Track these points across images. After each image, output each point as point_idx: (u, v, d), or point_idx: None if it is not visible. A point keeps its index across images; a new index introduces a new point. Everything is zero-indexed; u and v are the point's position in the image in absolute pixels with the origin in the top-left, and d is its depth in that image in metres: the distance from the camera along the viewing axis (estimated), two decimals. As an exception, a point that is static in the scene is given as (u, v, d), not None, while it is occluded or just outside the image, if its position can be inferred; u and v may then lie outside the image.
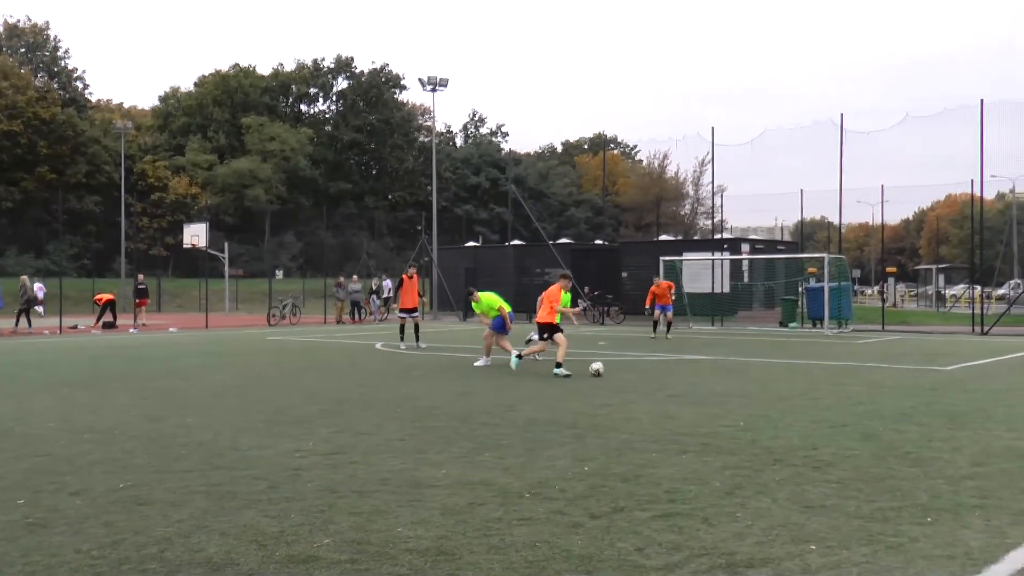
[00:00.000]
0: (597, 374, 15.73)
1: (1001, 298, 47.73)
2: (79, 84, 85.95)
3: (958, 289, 56.91)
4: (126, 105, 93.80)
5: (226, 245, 55.22)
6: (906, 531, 5.92)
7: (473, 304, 19.01)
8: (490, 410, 11.59)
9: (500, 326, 18.41)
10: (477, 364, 18.12)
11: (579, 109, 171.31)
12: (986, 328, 29.96)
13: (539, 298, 17.63)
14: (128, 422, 10.74)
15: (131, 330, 32.60)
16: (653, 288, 27.93)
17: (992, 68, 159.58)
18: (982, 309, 31.73)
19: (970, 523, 6.12)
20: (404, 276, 23.10)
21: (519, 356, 17.16)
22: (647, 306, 28.09)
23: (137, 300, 36.04)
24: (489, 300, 18.58)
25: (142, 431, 10.10)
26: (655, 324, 27.94)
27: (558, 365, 16.16)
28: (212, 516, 6.36)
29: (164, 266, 73.04)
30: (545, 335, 17.05)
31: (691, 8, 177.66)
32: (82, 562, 5.39)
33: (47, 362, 19.36)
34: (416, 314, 23.23)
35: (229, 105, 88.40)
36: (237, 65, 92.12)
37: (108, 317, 34.32)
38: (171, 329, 33.61)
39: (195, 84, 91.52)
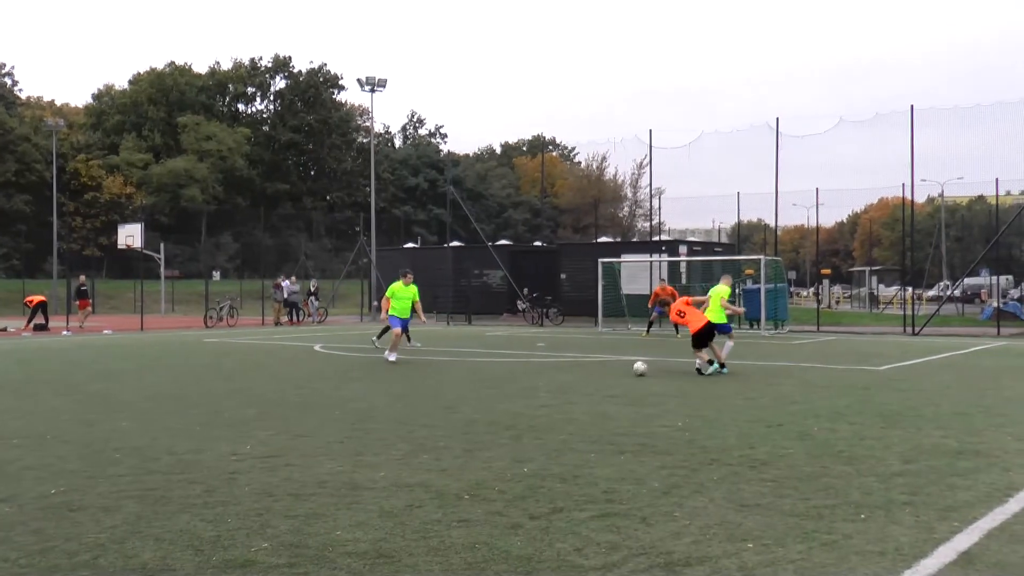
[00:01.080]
0: (642, 375, 15.50)
1: (932, 299, 48.74)
2: (7, 80, 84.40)
3: (891, 291, 58.03)
4: (58, 103, 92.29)
5: (162, 246, 54.38)
6: (840, 528, 6.02)
7: (400, 287, 18.72)
8: (429, 412, 11.57)
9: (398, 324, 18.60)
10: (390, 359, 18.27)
11: (518, 111, 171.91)
12: (917, 329, 30.57)
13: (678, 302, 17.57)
14: (60, 427, 10.54)
15: (64, 332, 31.99)
16: (657, 290, 28.86)
17: (923, 75, 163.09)
18: (913, 310, 32.37)
19: (900, 519, 6.24)
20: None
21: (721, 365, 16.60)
22: (650, 306, 29.02)
23: (79, 302, 35.41)
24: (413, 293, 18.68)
25: (75, 436, 9.91)
26: (649, 325, 28.67)
27: (710, 363, 16.32)
28: (146, 521, 6.27)
29: (98, 267, 71.72)
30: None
31: (629, 11, 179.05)
32: (10, 571, 5.28)
33: (-25, 365, 18.93)
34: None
35: (165, 104, 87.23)
36: (173, 63, 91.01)
37: (40, 319, 33.65)
38: (105, 331, 33.04)
39: (130, 82, 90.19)
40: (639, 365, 15.90)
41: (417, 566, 5.29)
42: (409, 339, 23.39)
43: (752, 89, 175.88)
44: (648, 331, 29.14)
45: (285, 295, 39.51)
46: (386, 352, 18.41)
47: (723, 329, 16.95)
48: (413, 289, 18.52)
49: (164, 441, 9.45)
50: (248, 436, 9.71)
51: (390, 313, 18.41)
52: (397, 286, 18.44)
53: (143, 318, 36.73)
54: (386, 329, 24.04)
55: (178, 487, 7.31)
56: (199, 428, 10.34)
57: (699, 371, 16.31)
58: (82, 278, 37.22)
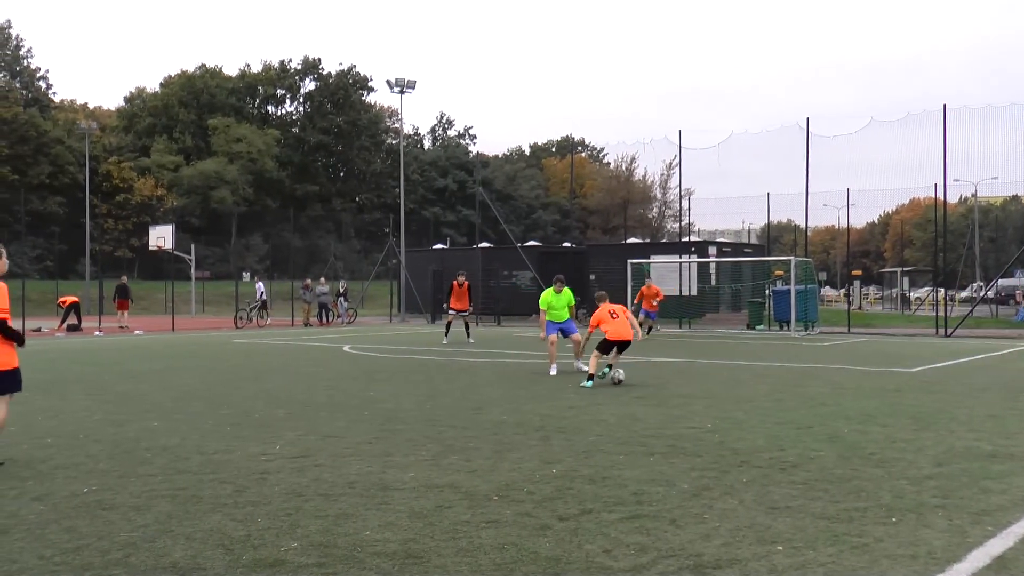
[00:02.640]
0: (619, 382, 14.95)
1: (964, 300, 48.28)
2: (42, 84, 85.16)
3: (922, 292, 57.53)
4: (90, 105, 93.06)
5: (192, 247, 54.81)
6: (870, 531, 5.98)
7: (552, 295, 17.84)
8: (457, 413, 11.58)
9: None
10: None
11: (547, 112, 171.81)
12: (949, 330, 30.29)
13: None
14: (91, 426, 10.63)
15: (96, 333, 32.29)
16: (643, 289, 28.37)
17: (955, 74, 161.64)
18: (946, 311, 32.06)
19: (932, 523, 6.18)
20: (455, 282, 25.84)
21: None
22: (635, 302, 28.52)
23: (118, 301, 35.82)
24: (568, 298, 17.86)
25: (105, 435, 10.00)
26: (648, 328, 28.28)
27: None
28: (177, 520, 6.31)
29: (129, 268, 72.36)
30: None
31: (659, 11, 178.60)
32: (44, 568, 5.33)
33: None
34: (465, 314, 26.07)
35: (195, 106, 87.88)
36: (203, 66, 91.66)
37: (72, 320, 33.99)
38: (137, 332, 33.31)
39: (161, 85, 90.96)
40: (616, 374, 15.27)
41: (446, 567, 5.30)
42: (468, 335, 25.83)
43: (782, 89, 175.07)
44: (648, 331, 28.21)
45: (310, 297, 39.77)
46: (577, 362, 17.55)
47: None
48: (567, 295, 18.17)
49: (194, 441, 9.51)
50: (277, 436, 9.76)
51: (548, 319, 17.77)
52: (549, 294, 18.01)
53: (174, 319, 37.01)
54: (449, 325, 25.99)
55: (208, 487, 7.35)
56: (229, 428, 10.40)
57: (583, 371, 15.87)
58: (124, 278, 37.69)
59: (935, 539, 5.80)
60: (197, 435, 9.89)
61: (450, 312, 26.18)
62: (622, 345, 15.23)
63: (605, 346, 15.15)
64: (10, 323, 8.22)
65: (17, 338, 8.31)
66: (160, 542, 5.79)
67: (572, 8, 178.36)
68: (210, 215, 79.19)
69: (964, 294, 56.40)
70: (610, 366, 15.25)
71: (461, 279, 25.85)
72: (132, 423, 10.86)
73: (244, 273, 64.04)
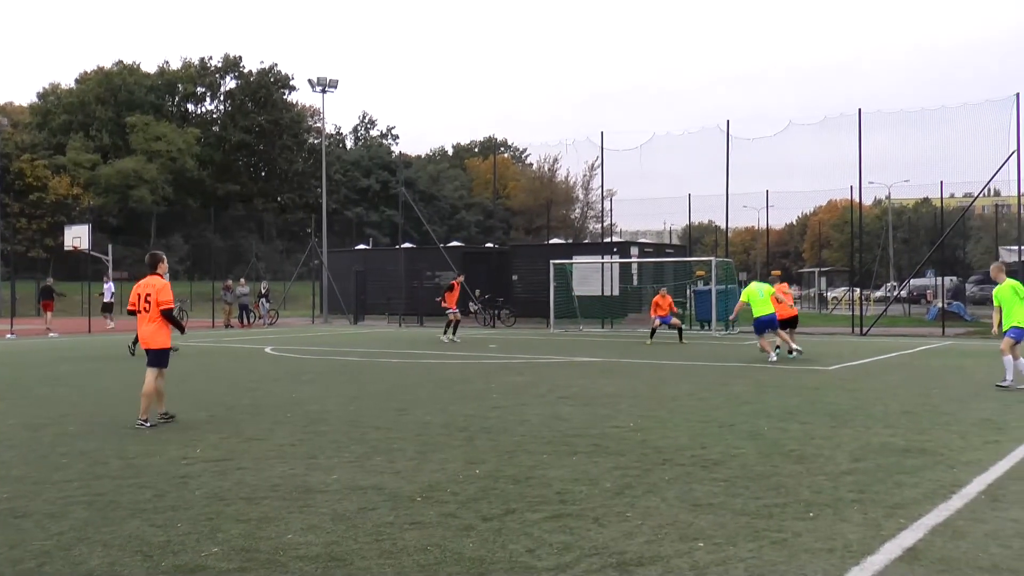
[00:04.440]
0: None
1: (879, 300, 49.40)
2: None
3: (839, 291, 58.74)
4: (1, 101, 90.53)
5: (110, 247, 53.50)
6: (789, 526, 6.09)
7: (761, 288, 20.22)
8: (381, 414, 11.53)
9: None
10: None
11: (469, 112, 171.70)
12: (865, 329, 30.99)
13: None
14: (5, 432, 10.36)
15: (8, 336, 31.45)
16: (656, 298, 28.40)
17: (871, 80, 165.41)
18: (861, 311, 32.81)
19: (849, 517, 6.33)
20: (454, 282, 27.72)
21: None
22: (652, 315, 28.81)
23: (43, 303, 34.93)
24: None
25: (20, 440, 9.75)
26: (652, 331, 28.19)
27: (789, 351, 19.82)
28: (94, 527, 6.19)
29: (44, 269, 70.55)
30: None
31: (581, 11, 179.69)
32: (-45, 577, 5.19)
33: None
34: (456, 312, 27.29)
35: (113, 103, 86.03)
36: (121, 62, 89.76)
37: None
38: (52, 334, 32.53)
39: (77, 81, 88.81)
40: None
41: (370, 569, 5.28)
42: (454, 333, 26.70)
43: (703, 92, 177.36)
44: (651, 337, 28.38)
45: (231, 298, 39.19)
46: (770, 356, 19.34)
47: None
48: (767, 289, 20.25)
49: (113, 445, 9.33)
50: (199, 440, 9.62)
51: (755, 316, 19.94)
52: (753, 291, 20.24)
53: (91, 321, 36.21)
54: (449, 323, 26.85)
55: (127, 492, 7.22)
56: (149, 432, 10.22)
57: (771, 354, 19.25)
58: (50, 280, 36.84)
59: (851, 532, 5.94)
60: (116, 439, 9.70)
61: (453, 312, 27.07)
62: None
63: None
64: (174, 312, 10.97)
65: (179, 327, 11.29)
66: (76, 550, 5.67)
67: (495, 9, 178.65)
68: (129, 215, 77.59)
69: (879, 294, 57.68)
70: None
71: (460, 279, 28.32)
72: (48, 427, 10.61)
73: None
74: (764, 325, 19.93)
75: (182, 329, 11.14)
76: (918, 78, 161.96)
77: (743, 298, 20.50)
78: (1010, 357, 13.95)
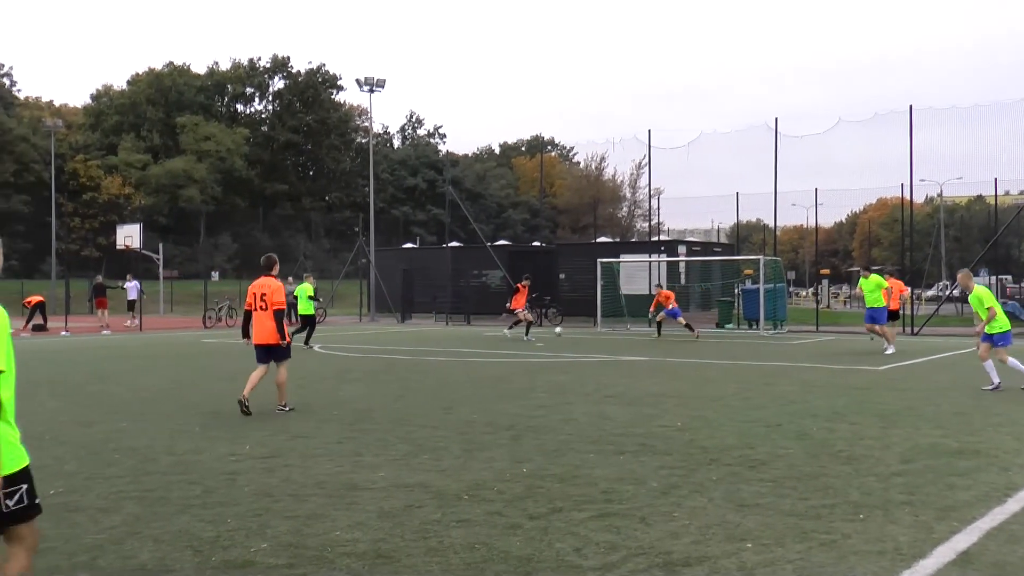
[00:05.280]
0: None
1: (930, 299, 48.75)
2: (6, 81, 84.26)
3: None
4: (56, 103, 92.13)
5: (160, 246, 54.32)
6: (838, 528, 6.02)
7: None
8: (427, 412, 11.57)
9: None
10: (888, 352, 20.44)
11: (516, 111, 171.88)
12: (916, 329, 30.57)
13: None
14: (58, 428, 10.53)
15: (63, 333, 31.97)
16: (658, 296, 28.53)
17: (921, 75, 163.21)
18: (912, 310, 32.36)
19: (899, 519, 6.24)
20: (519, 284, 27.58)
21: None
22: (651, 310, 29.19)
23: (97, 299, 35.46)
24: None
25: (73, 437, 9.91)
26: (659, 325, 28.22)
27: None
28: (145, 522, 6.27)
29: (96, 267, 71.68)
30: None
31: (628, 10, 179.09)
32: (10, 570, 5.27)
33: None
34: (526, 311, 27.31)
35: (163, 104, 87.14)
36: (171, 64, 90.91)
37: (38, 320, 33.63)
38: (105, 332, 33.02)
39: (128, 82, 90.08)
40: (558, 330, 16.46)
41: (416, 566, 5.29)
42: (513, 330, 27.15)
43: (751, 89, 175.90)
44: (659, 333, 28.49)
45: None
46: (886, 347, 20.87)
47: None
48: (877, 280, 21.64)
49: (163, 442, 9.45)
50: (247, 437, 9.71)
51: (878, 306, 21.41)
52: (868, 283, 21.65)
53: (142, 318, 36.71)
54: (519, 323, 26.99)
55: (177, 488, 7.31)
56: (198, 429, 10.33)
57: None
58: (99, 278, 37.35)
59: (901, 535, 5.85)
60: (166, 436, 9.82)
61: (523, 312, 26.99)
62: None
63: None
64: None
65: (286, 328, 12.00)
66: (128, 544, 5.75)
67: (542, 7, 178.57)
68: (178, 214, 78.59)
69: (930, 293, 56.88)
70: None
71: (525, 281, 27.77)
72: (100, 424, 10.77)
73: (213, 272, 63.65)
74: (876, 316, 21.45)
75: (283, 335, 11.80)
76: (970, 72, 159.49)
77: (859, 288, 22.67)
78: (990, 362, 13.87)
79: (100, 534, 5.98)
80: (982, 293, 14.01)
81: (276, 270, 12.02)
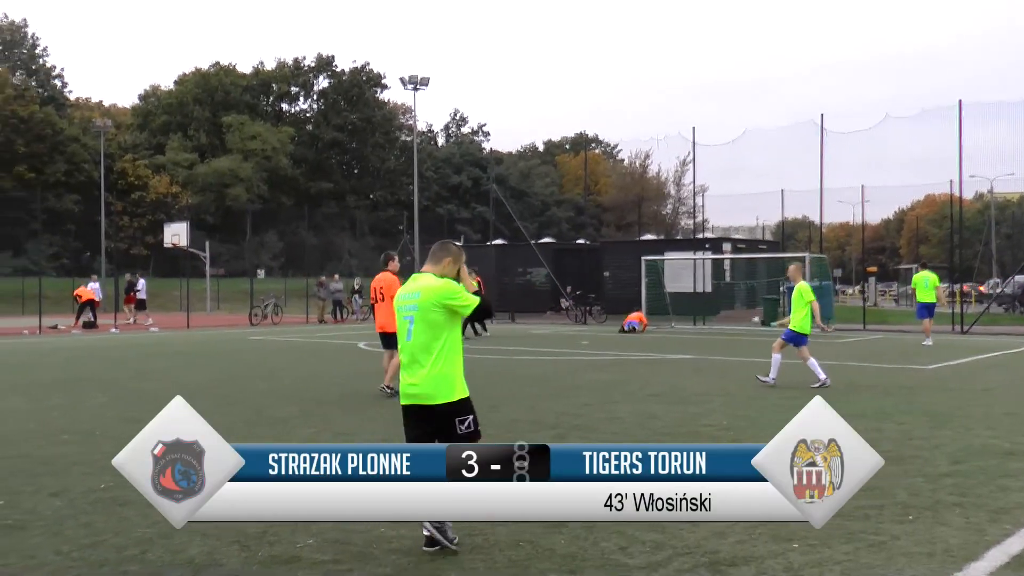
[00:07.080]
0: None
1: (980, 297, 48.01)
2: (57, 82, 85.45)
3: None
4: (105, 103, 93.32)
5: (207, 244, 54.90)
6: (887, 529, 5.95)
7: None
8: (472, 410, 11.56)
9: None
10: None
11: (560, 109, 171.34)
12: (966, 327, 30.14)
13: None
14: (106, 423, 10.68)
15: (112, 330, 32.41)
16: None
17: (970, 68, 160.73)
18: (962, 308, 31.93)
19: (949, 521, 6.15)
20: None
21: None
22: None
23: (126, 297, 35.83)
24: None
25: (120, 432, 10.00)
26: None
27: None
28: (193, 517, 6.32)
29: (144, 265, 72.60)
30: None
31: (672, 7, 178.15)
32: (61, 563, 5.36)
33: (23, 364, 19.22)
34: None
35: (210, 104, 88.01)
36: (217, 64, 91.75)
37: (88, 316, 34.11)
38: (152, 329, 33.43)
39: (175, 82, 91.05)
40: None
41: (461, 564, 5.30)
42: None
43: (796, 85, 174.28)
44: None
45: (324, 294, 39.75)
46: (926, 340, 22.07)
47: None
48: (932, 278, 23.09)
49: (210, 438, 9.52)
50: (291, 434, 9.78)
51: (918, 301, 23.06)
52: (919, 279, 23.19)
53: (189, 316, 37.11)
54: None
55: (224, 483, 7.36)
56: (243, 425, 10.43)
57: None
58: (127, 276, 37.67)
59: (952, 537, 5.77)
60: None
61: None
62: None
63: None
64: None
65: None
66: (176, 538, 5.81)
67: (585, 4, 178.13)
68: (225, 212, 79.35)
69: (983, 289, 55.94)
70: None
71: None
72: (144, 420, 10.85)
73: (259, 270, 64.23)
74: (926, 310, 22.75)
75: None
76: (1020, 67, 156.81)
77: (913, 284, 23.93)
78: (779, 356, 14.33)
79: (149, 528, 6.05)
80: (803, 288, 14.26)
81: (392, 266, 13.42)
